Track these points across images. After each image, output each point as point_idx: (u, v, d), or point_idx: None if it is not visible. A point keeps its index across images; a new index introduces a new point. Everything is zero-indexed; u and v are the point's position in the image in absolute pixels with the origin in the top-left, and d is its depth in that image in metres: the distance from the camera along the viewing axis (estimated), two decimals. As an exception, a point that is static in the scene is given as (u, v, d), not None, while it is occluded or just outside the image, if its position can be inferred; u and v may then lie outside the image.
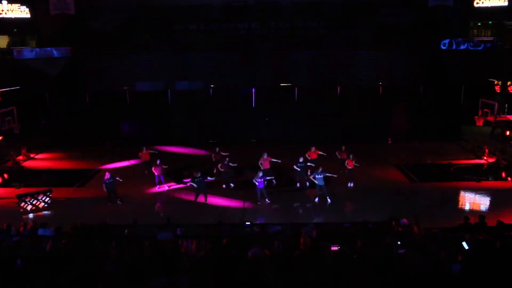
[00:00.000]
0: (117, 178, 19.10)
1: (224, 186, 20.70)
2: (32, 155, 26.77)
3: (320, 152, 21.44)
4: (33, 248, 11.17)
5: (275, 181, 20.41)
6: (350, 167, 20.57)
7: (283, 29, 29.25)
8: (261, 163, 20.41)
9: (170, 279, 8.46)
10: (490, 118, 30.85)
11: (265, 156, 20.56)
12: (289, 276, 8.75)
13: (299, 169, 20.20)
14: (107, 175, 18.95)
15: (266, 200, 18.85)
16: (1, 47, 32.31)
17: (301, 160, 20.28)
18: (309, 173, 20.62)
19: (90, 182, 22.24)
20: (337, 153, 22.01)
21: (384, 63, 28.92)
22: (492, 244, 10.61)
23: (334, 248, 10.45)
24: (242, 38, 29.12)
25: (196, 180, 18.69)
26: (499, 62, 28.50)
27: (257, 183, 18.51)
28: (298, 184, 20.70)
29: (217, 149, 22.32)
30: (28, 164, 25.29)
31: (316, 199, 18.95)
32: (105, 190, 18.90)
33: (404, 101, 28.81)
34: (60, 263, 9.80)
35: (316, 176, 18.55)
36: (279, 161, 20.72)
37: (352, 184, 20.70)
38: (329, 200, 18.82)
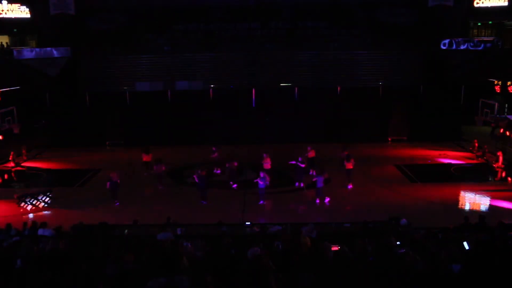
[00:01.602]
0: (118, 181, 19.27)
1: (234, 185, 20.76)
2: (31, 155, 26.75)
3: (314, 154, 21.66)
4: (33, 248, 11.16)
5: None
6: (349, 168, 20.58)
7: (283, 29, 29.27)
8: (262, 164, 20.59)
9: (170, 279, 8.45)
10: (490, 119, 30.90)
11: (264, 156, 20.71)
12: (289, 276, 8.74)
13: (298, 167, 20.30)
14: (114, 177, 19.05)
15: (261, 202, 18.80)
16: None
17: (300, 159, 20.30)
18: (312, 173, 20.74)
19: (90, 182, 22.24)
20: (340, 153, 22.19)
21: (384, 63, 28.95)
22: (492, 244, 10.61)
23: (334, 248, 10.44)
24: (242, 38, 29.13)
25: (198, 177, 18.91)
26: (499, 62, 28.49)
27: (259, 184, 18.65)
28: (296, 184, 20.71)
29: (214, 148, 22.45)
30: (28, 164, 25.28)
31: (317, 201, 18.97)
32: (108, 188, 19.08)
33: (404, 101, 28.82)
34: (60, 263, 9.80)
35: (318, 179, 18.63)
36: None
37: (350, 186, 20.62)
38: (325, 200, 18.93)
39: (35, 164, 25.46)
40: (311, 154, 21.68)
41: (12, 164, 24.53)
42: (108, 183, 18.99)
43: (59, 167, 24.87)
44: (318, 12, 29.08)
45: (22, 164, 25.02)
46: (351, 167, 20.52)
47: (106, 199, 19.26)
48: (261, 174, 18.69)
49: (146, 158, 22.52)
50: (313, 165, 21.29)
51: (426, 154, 25.85)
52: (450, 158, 24.87)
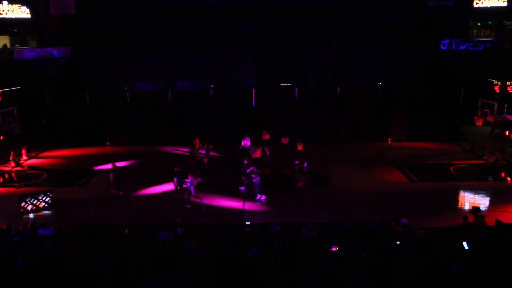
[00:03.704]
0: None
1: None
2: (32, 155, 26.76)
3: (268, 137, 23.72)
4: (33, 248, 11.18)
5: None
6: (300, 149, 22.45)
7: (283, 29, 29.26)
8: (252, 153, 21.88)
9: (170, 279, 8.47)
10: (490, 118, 30.91)
11: (254, 147, 21.47)
12: (289, 276, 8.76)
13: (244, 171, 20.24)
14: (112, 166, 20.09)
15: (187, 205, 18.54)
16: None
17: (245, 162, 20.46)
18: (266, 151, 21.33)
19: (91, 182, 22.26)
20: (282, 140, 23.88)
21: (384, 63, 28.94)
22: (491, 244, 10.62)
23: (334, 248, 10.46)
24: (242, 38, 29.13)
25: (174, 174, 19.29)
26: (499, 62, 28.51)
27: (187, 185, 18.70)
28: (243, 188, 20.09)
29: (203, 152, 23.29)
30: (28, 164, 25.28)
31: (259, 197, 19.12)
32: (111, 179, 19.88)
33: (404, 101, 28.83)
34: (60, 263, 9.82)
35: (253, 176, 19.00)
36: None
37: (305, 164, 22.09)
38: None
39: (35, 164, 25.47)
40: (266, 137, 23.34)
41: (12, 164, 24.53)
42: (111, 174, 19.91)
43: (59, 167, 24.88)
44: (318, 12, 29.05)
45: (22, 164, 25.01)
46: (301, 149, 22.39)
47: (106, 199, 19.33)
48: (189, 178, 18.67)
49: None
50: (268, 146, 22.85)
51: (426, 154, 25.84)
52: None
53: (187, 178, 18.94)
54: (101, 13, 28.82)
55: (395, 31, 28.25)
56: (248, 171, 19.60)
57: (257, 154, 21.80)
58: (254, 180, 19.00)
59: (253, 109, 29.03)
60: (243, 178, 19.88)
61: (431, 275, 8.80)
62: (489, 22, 31.97)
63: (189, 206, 18.38)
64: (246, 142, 23.24)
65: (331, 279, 8.72)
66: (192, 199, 18.42)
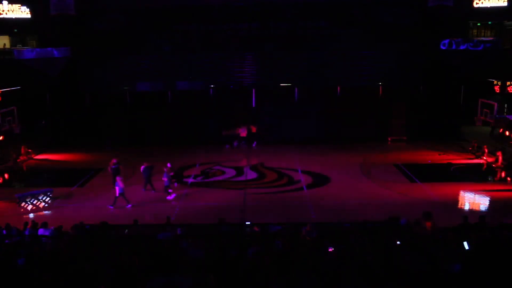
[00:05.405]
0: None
1: None
2: (32, 155, 26.76)
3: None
4: (33, 248, 11.18)
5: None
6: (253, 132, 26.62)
7: (283, 29, 29.24)
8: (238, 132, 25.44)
9: (170, 279, 8.47)
10: (490, 119, 30.89)
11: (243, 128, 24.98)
12: (289, 276, 8.76)
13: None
14: (114, 161, 20.31)
15: (128, 205, 18.69)
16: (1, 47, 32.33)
17: (169, 165, 20.35)
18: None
19: (90, 182, 22.25)
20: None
21: (384, 63, 28.90)
22: (492, 244, 10.62)
23: (331, 249, 10.46)
24: (242, 38, 29.12)
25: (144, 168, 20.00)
26: (499, 62, 28.49)
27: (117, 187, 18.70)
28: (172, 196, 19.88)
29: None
30: (28, 164, 25.28)
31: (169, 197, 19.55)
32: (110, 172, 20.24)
33: (404, 101, 28.83)
34: (60, 263, 9.82)
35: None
36: None
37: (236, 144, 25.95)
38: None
39: (35, 164, 25.45)
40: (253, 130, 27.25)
41: (12, 164, 24.53)
42: (109, 168, 20.24)
43: (59, 167, 24.87)
44: (318, 12, 29.03)
45: (22, 164, 25.02)
46: (255, 130, 26.99)
47: (106, 199, 19.30)
48: (117, 178, 18.82)
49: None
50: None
51: (426, 154, 25.86)
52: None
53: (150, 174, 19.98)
54: (101, 13, 28.77)
55: (395, 31, 28.21)
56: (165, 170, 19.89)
57: (244, 133, 25.84)
58: (163, 179, 19.55)
59: (253, 109, 29.03)
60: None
61: (431, 275, 8.80)
62: (489, 22, 31.95)
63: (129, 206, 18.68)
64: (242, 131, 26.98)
65: (330, 279, 8.72)
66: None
